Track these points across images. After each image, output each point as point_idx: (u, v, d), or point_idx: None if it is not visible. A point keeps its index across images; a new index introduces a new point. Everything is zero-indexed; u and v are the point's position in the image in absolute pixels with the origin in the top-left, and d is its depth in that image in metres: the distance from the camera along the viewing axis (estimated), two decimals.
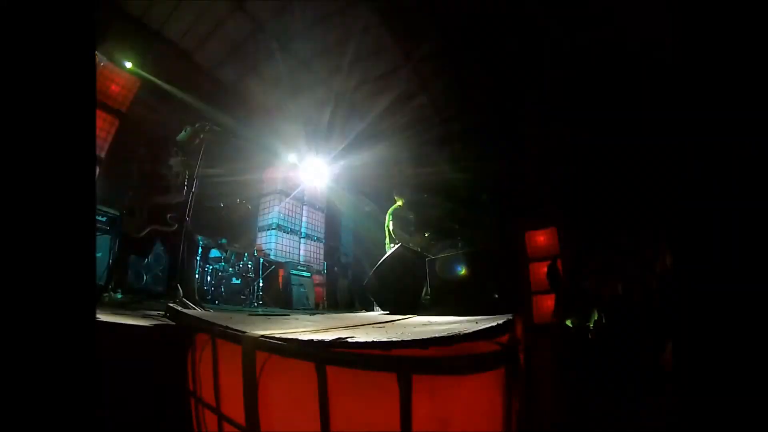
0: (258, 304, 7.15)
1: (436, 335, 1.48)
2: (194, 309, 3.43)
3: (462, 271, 4.71)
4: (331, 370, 1.55)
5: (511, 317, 2.01)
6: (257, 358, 1.76)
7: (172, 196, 4.18)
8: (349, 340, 1.54)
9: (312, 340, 1.59)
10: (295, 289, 7.65)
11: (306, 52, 8.03)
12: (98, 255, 5.39)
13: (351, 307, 7.87)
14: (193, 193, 4.11)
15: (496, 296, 4.21)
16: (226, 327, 1.96)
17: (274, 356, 1.76)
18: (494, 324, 1.68)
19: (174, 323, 2.90)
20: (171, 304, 3.21)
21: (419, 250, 5.66)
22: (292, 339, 1.65)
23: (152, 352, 2.54)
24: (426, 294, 5.22)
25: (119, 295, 4.73)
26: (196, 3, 7.20)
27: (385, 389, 1.46)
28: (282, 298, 7.66)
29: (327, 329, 2.11)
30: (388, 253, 5.13)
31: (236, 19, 7.56)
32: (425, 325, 2.48)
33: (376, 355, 1.48)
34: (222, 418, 2.08)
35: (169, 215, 4.15)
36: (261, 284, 7.38)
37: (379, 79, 8.34)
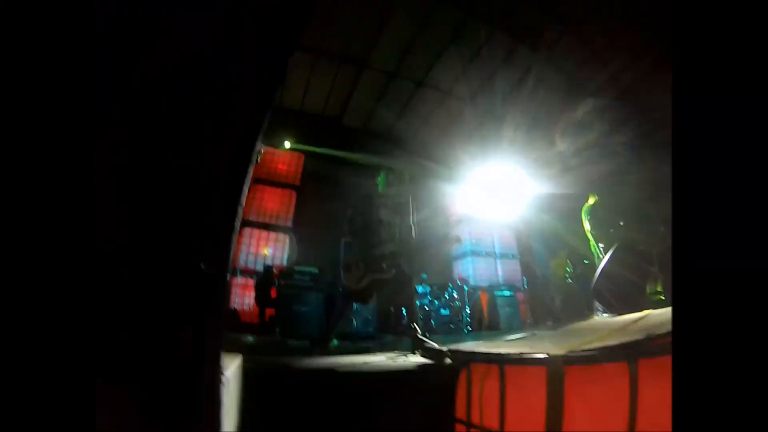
0: (467, 331, 7.30)
1: None
2: (431, 344, 3.73)
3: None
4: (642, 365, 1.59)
5: None
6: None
7: (385, 246, 4.57)
8: (659, 332, 1.57)
9: (622, 343, 1.66)
10: (501, 310, 7.69)
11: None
12: (306, 309, 6.47)
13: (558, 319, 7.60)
14: (406, 238, 4.51)
15: None
16: (521, 353, 2.11)
17: (574, 368, 1.85)
18: None
19: (434, 360, 3.20)
20: (427, 345, 3.68)
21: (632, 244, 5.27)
22: (600, 347, 1.73)
23: (425, 391, 2.80)
24: (653, 290, 4.80)
25: (335, 342, 5.30)
26: (325, 77, 7.98)
27: None
28: (489, 322, 7.73)
29: (602, 336, 2.13)
30: (608, 255, 4.87)
31: (368, 78, 8.18)
32: None
33: None
34: None
35: (384, 263, 4.54)
36: (468, 311, 7.55)
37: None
